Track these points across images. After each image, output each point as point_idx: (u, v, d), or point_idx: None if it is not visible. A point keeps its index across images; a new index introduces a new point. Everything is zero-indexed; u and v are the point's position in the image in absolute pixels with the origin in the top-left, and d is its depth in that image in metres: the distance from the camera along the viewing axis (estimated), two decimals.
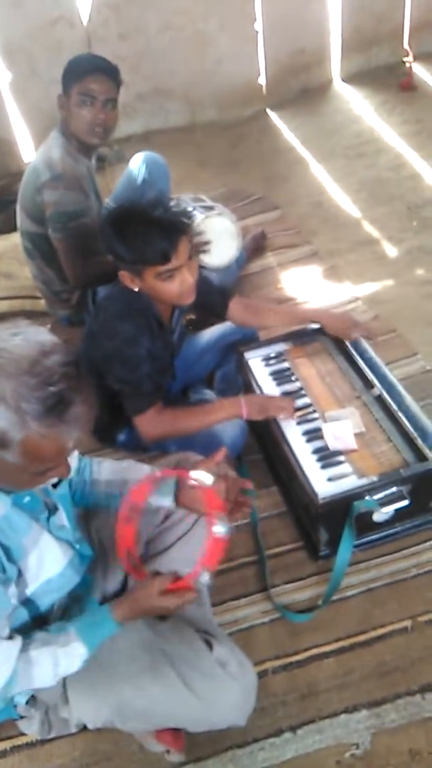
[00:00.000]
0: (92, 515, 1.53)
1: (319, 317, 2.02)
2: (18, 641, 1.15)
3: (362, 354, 1.91)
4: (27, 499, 1.17)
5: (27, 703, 1.31)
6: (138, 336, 1.74)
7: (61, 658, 1.18)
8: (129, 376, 1.77)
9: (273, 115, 3.90)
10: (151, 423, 1.81)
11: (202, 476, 1.36)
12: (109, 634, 1.22)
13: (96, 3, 3.42)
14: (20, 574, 1.18)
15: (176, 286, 1.65)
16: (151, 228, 1.57)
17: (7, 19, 3.28)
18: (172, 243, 1.57)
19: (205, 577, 1.23)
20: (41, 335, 1.03)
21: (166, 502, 1.42)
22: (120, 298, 1.79)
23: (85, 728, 1.37)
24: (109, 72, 2.15)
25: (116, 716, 1.30)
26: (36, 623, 1.27)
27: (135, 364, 1.75)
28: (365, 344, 1.93)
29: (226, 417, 1.81)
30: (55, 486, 1.28)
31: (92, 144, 2.25)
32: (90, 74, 2.12)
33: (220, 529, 1.25)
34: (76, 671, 1.21)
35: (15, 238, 2.57)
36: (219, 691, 1.26)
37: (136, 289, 1.69)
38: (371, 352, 1.91)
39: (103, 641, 1.21)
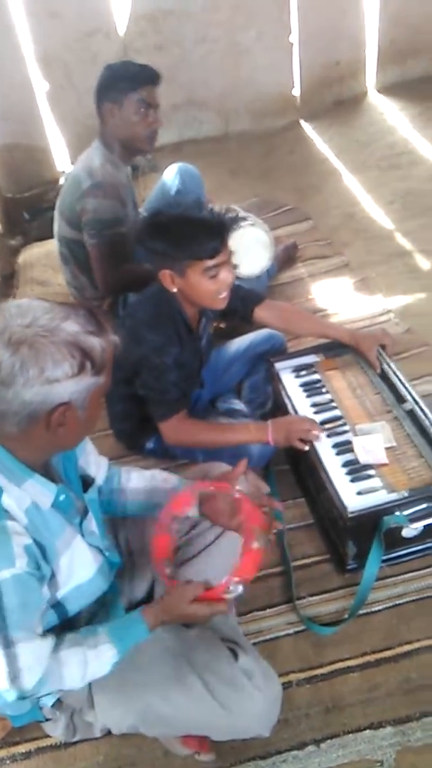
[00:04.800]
0: (120, 524, 1.55)
1: (346, 339, 1.98)
2: (51, 640, 1.17)
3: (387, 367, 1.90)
4: (62, 497, 1.19)
5: (53, 705, 1.32)
6: (166, 344, 1.77)
7: (90, 659, 1.19)
8: (155, 384, 1.79)
9: (306, 126, 3.92)
10: (174, 430, 1.84)
11: (243, 490, 1.38)
12: (140, 639, 1.23)
13: (133, 15, 3.48)
14: (53, 575, 1.20)
15: (218, 284, 1.69)
16: (200, 225, 1.64)
17: (44, 30, 3.36)
18: (221, 238, 1.65)
19: (238, 589, 1.23)
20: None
21: (192, 512, 1.43)
22: (149, 304, 1.82)
23: (109, 733, 1.39)
24: (159, 81, 2.24)
25: (141, 722, 1.31)
26: (64, 627, 1.28)
27: (162, 371, 1.77)
28: (388, 358, 1.91)
29: (250, 440, 1.81)
30: (85, 490, 1.31)
31: (146, 150, 2.32)
32: (146, 84, 2.19)
33: (256, 542, 1.26)
34: (105, 675, 1.22)
35: (49, 246, 2.62)
36: (244, 700, 1.26)
37: (174, 290, 1.72)
38: (393, 366, 1.89)
39: (133, 645, 1.22)
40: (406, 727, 1.47)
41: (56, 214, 2.42)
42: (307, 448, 1.73)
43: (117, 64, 2.28)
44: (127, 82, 2.18)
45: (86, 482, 1.33)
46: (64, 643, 1.19)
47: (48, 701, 1.30)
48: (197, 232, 1.63)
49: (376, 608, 1.67)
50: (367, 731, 1.48)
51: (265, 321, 2.03)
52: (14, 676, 1.11)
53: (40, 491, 1.15)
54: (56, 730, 1.38)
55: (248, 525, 1.31)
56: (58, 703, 1.32)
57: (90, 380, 1.07)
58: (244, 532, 1.31)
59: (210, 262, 1.65)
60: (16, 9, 3.26)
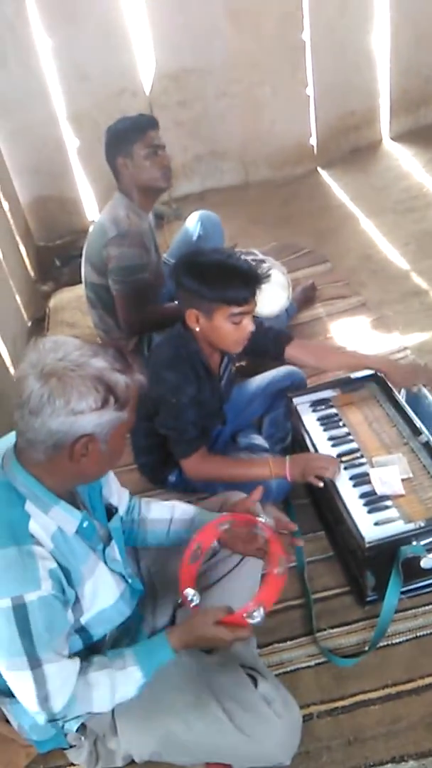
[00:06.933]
0: (141, 553, 1.60)
1: (383, 367, 2.04)
2: (77, 661, 1.21)
3: (421, 400, 1.94)
4: (86, 524, 1.25)
5: (77, 730, 1.34)
6: (182, 384, 1.82)
7: (118, 681, 1.23)
8: (173, 423, 1.85)
9: (324, 174, 4.05)
10: (195, 467, 1.89)
11: (267, 520, 1.42)
12: (165, 660, 1.26)
13: (158, 74, 3.70)
14: (77, 600, 1.25)
15: (238, 331, 1.77)
16: (236, 272, 1.73)
17: (75, 91, 3.60)
18: (251, 288, 1.73)
19: (259, 614, 1.25)
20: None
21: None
22: (168, 345, 1.90)
23: (132, 762, 1.40)
24: (157, 124, 2.40)
25: (163, 748, 1.33)
26: (88, 652, 1.32)
27: (179, 411, 1.83)
28: (426, 391, 1.96)
29: (269, 475, 1.85)
30: (108, 519, 1.37)
31: (164, 188, 2.45)
32: (148, 129, 2.35)
33: (279, 569, 1.29)
34: (132, 697, 1.25)
35: (78, 290, 2.74)
36: (264, 727, 1.28)
37: (197, 329, 1.79)
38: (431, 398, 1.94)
39: (159, 667, 1.26)
40: (429, 761, 1.46)
41: (83, 261, 2.55)
42: (321, 484, 1.76)
43: (115, 124, 2.42)
44: (130, 134, 2.34)
45: (110, 511, 1.39)
46: (93, 665, 1.24)
47: (73, 726, 1.33)
48: (232, 278, 1.72)
49: (397, 640, 1.68)
50: (390, 765, 1.47)
51: (297, 359, 2.10)
52: (43, 698, 1.15)
53: (65, 518, 1.21)
54: (80, 757, 1.40)
55: (271, 552, 1.34)
56: (83, 728, 1.35)
57: (113, 414, 1.14)
58: (267, 558, 1.34)
59: (237, 309, 1.73)
60: (49, 73, 3.50)
